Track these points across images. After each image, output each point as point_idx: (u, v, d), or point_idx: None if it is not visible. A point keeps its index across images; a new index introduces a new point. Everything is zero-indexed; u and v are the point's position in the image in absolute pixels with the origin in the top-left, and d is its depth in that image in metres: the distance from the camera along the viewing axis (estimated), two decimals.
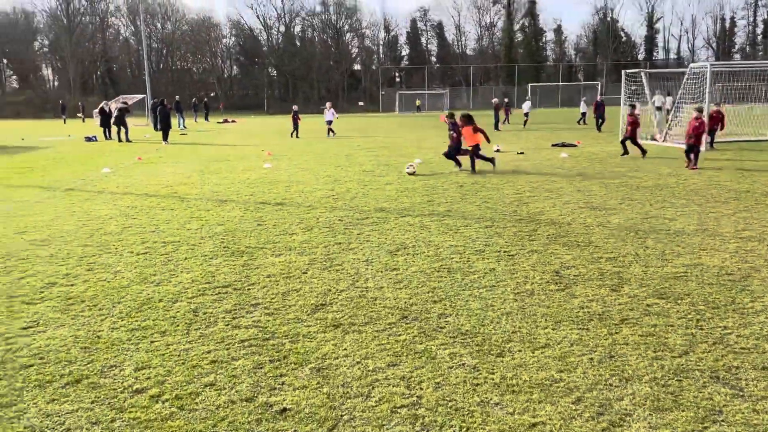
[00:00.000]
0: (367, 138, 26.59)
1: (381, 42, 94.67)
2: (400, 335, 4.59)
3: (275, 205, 10.32)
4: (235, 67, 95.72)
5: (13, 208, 10.48)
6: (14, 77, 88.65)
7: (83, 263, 6.84)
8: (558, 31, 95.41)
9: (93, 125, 43.59)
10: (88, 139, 28.43)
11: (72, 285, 6.04)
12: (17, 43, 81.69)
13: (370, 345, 4.42)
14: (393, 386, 3.79)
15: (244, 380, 3.93)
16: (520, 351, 4.25)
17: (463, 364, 4.07)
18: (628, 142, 16.64)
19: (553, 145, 20.70)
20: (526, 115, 33.74)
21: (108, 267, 6.68)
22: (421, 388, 3.75)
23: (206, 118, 49.14)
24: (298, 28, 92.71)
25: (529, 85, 71.78)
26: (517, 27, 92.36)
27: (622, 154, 16.74)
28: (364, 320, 4.92)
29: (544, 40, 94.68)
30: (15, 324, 5.00)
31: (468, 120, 14.09)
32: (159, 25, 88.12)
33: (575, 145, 20.34)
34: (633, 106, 17.30)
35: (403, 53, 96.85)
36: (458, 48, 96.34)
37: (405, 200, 10.55)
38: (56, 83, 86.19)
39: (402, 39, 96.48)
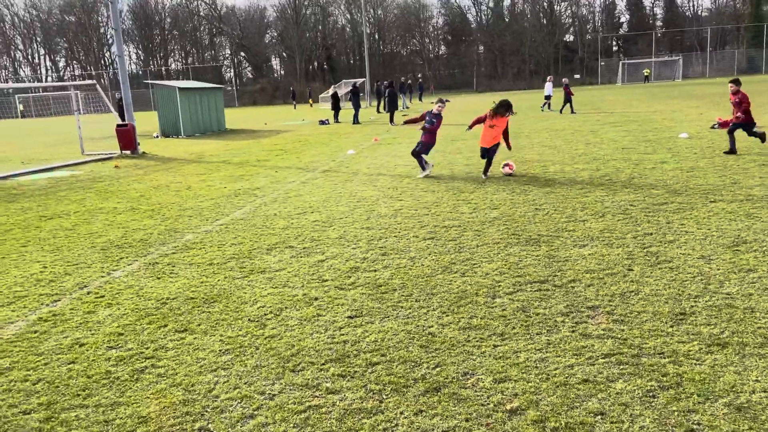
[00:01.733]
0: (602, 113, 24.42)
1: (597, 8, 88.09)
2: None
3: (542, 186, 9.46)
4: (442, 47, 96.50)
5: (286, 190, 10.99)
6: (249, 68, 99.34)
7: (374, 247, 6.65)
8: None
9: (320, 109, 46.72)
10: (322, 122, 30.19)
11: (375, 270, 5.81)
12: (252, 37, 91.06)
13: None
14: None
15: (641, 413, 3.14)
16: None
17: None
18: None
19: None
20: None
21: (401, 252, 6.39)
22: None
23: (420, 98, 49.91)
24: (507, 2, 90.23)
25: None
26: None
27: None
28: (755, 340, 3.85)
29: None
30: (339, 311, 4.81)
31: (507, 109, 10.77)
32: (372, 11, 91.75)
33: None
34: (736, 82, 11.85)
35: (622, 20, 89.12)
36: (689, 9, 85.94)
37: (698, 180, 8.99)
38: (282, 72, 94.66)
39: (622, 4, 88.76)
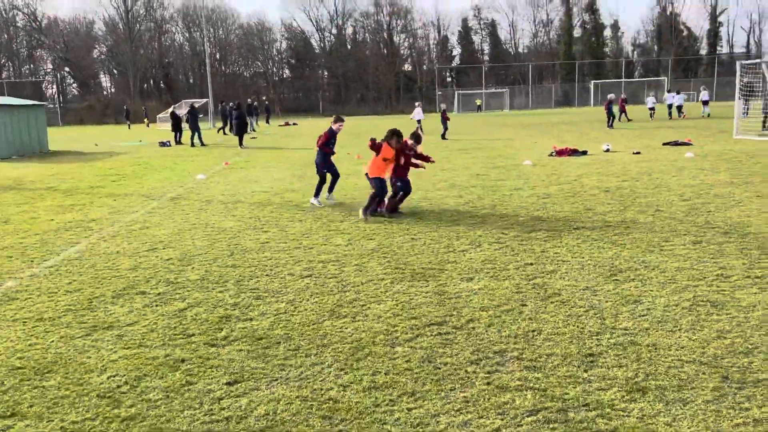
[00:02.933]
0: (449, 140, 25.34)
1: (432, 42, 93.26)
2: None
3: (412, 215, 9.24)
4: (286, 70, 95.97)
5: (128, 221, 9.69)
6: (74, 85, 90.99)
7: (245, 289, 5.86)
8: (615, 26, 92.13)
9: (158, 130, 43.78)
10: (162, 144, 28.09)
11: (250, 319, 5.04)
12: (78, 51, 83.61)
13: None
14: None
15: None
16: None
17: None
18: None
19: (664, 144, 19.06)
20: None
21: (278, 294, 5.68)
22: None
23: (267, 121, 48.82)
24: (350, 30, 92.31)
25: (592, 82, 69.44)
26: (576, 23, 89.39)
27: None
28: (671, 382, 3.73)
29: (603, 36, 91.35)
30: (214, 376, 4.01)
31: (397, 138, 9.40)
32: (212, 30, 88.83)
33: (689, 144, 18.67)
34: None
35: (455, 53, 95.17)
36: (512, 47, 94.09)
37: (556, 207, 9.31)
38: (113, 89, 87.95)
39: (453, 39, 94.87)
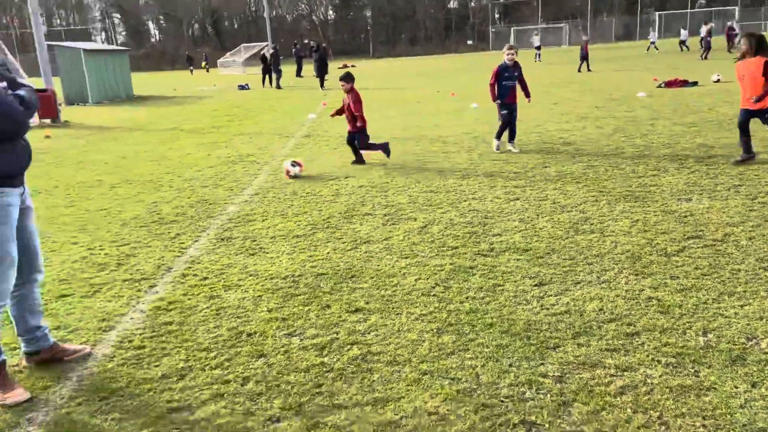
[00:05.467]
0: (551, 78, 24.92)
1: None
2: None
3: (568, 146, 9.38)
4: (331, 11, 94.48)
5: (285, 155, 10.12)
6: (123, 33, 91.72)
7: (467, 209, 6.21)
8: None
9: (221, 75, 44.21)
10: (241, 87, 28.49)
11: (499, 234, 5.39)
12: None
13: None
14: None
15: None
16: None
17: None
18: None
19: None
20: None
21: (510, 215, 6.01)
22: None
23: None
24: None
25: (656, 13, 66.47)
26: None
27: None
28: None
29: None
30: (515, 280, 4.37)
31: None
32: None
33: None
34: None
35: None
36: None
37: (710, 136, 9.29)
38: (160, 37, 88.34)
39: None
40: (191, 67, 51.90)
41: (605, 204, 6.13)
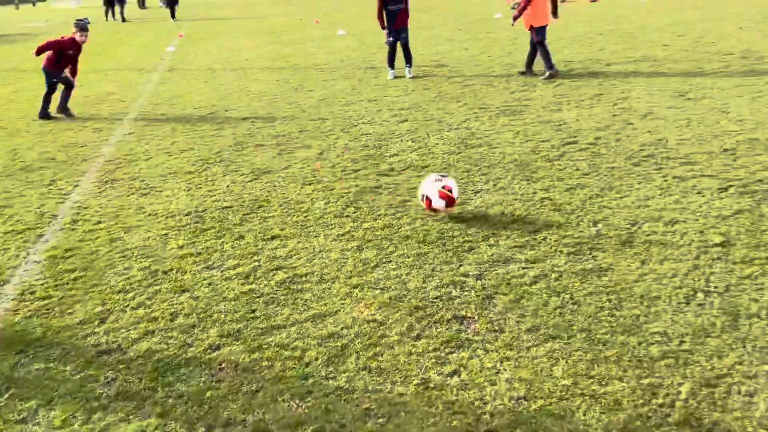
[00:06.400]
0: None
1: None
2: None
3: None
4: None
5: (152, 92, 9.47)
6: None
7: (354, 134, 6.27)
8: None
9: (56, 8, 39.54)
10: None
11: (396, 154, 5.53)
12: None
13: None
14: None
15: None
16: None
17: None
18: None
19: None
20: None
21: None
22: None
23: None
24: None
25: None
26: None
27: None
28: None
29: None
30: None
31: None
32: None
33: None
34: None
35: None
36: None
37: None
38: None
39: None
40: (16, 1, 45.73)
41: (487, 119, 6.47)
